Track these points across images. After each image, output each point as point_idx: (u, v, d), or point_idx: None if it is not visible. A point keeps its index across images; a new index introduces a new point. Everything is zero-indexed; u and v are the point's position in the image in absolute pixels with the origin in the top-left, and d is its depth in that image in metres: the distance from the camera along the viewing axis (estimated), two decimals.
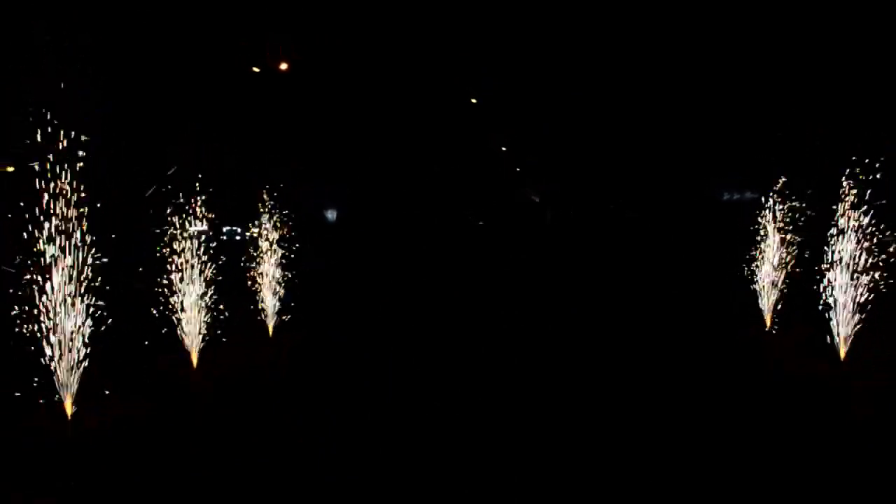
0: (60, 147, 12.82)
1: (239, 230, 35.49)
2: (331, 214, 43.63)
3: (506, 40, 39.00)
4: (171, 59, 29.34)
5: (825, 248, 16.38)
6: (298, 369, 17.28)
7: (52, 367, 12.44)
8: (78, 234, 12.75)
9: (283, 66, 33.85)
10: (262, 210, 21.42)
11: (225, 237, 33.48)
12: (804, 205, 20.39)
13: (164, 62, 28.82)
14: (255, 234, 21.35)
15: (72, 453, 11.39)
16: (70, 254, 12.65)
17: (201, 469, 10.85)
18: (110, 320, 13.49)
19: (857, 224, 15.76)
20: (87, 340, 12.77)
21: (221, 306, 17.51)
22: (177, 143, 29.48)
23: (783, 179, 20.23)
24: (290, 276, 21.15)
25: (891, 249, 15.89)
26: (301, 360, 18.12)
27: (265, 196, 21.52)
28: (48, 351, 12.40)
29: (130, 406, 13.36)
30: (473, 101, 43.03)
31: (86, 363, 12.71)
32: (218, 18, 29.68)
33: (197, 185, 17.88)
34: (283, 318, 20.62)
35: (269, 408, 13.97)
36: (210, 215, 18.21)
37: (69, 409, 12.56)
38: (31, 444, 11.55)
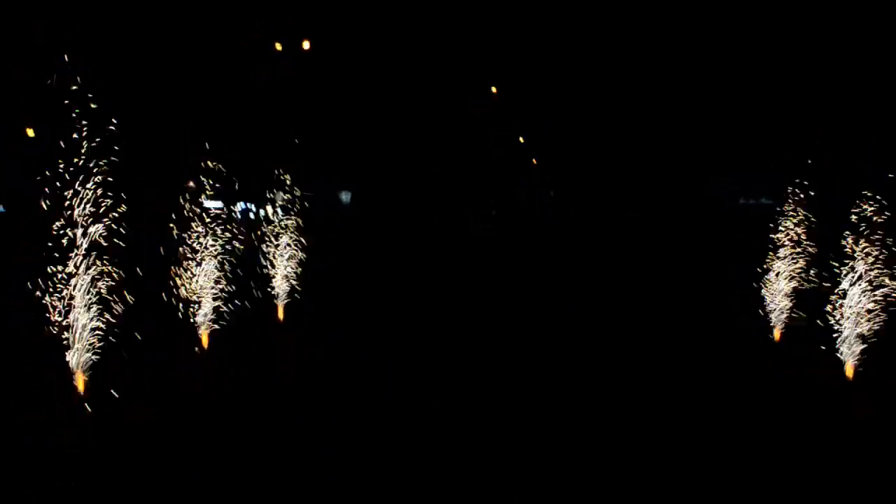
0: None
1: (253, 206, 35.55)
2: (345, 196, 43.67)
3: (508, 40, 38.83)
4: (181, 54, 29.41)
5: (837, 265, 16.34)
6: (302, 370, 17.42)
7: (68, 344, 12.57)
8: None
9: (306, 46, 33.82)
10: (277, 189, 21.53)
11: (239, 214, 33.59)
12: (817, 217, 20.30)
13: (174, 57, 28.88)
14: (270, 214, 21.42)
15: (75, 452, 11.50)
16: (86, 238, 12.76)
17: (201, 468, 10.97)
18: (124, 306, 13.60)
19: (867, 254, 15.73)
20: (102, 325, 12.89)
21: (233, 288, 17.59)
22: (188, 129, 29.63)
23: (797, 189, 20.13)
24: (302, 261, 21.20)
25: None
26: (304, 361, 18.27)
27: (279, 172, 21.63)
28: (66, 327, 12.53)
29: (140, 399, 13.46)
30: (494, 89, 42.88)
31: (97, 346, 12.81)
32: (228, 14, 29.69)
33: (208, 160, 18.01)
34: (294, 296, 20.64)
35: (271, 407, 14.07)
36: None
37: (81, 386, 12.69)
38: (32, 442, 11.60)
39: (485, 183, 46.10)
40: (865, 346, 15.65)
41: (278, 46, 33.39)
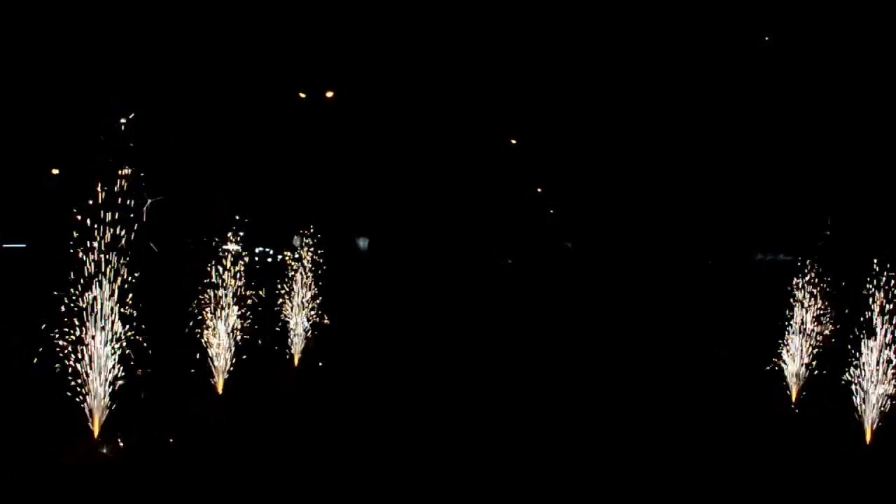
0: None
1: (271, 251, 35.87)
2: (362, 242, 44.01)
3: (530, 82, 39.46)
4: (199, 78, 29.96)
5: (857, 331, 16.22)
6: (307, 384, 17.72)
7: (84, 389, 12.65)
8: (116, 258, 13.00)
9: (329, 94, 34.40)
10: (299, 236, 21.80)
11: (257, 258, 33.89)
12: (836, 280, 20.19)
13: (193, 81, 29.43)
14: (290, 260, 21.61)
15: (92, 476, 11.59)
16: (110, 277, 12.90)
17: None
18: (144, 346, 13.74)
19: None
20: (120, 364, 12.99)
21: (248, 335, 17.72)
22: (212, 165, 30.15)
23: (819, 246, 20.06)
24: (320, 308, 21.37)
25: None
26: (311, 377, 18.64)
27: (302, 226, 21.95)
28: (82, 371, 12.63)
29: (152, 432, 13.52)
30: (513, 141, 43.42)
31: (117, 385, 12.91)
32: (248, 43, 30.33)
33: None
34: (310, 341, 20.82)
35: (278, 421, 14.26)
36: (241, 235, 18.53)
37: (97, 430, 12.74)
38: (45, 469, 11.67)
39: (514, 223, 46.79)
40: (885, 409, 15.48)
41: (302, 95, 34.02)
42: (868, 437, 15.71)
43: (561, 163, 44.22)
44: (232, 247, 18.38)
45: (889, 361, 15.58)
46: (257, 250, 34.76)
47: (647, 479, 13.32)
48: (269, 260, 35.20)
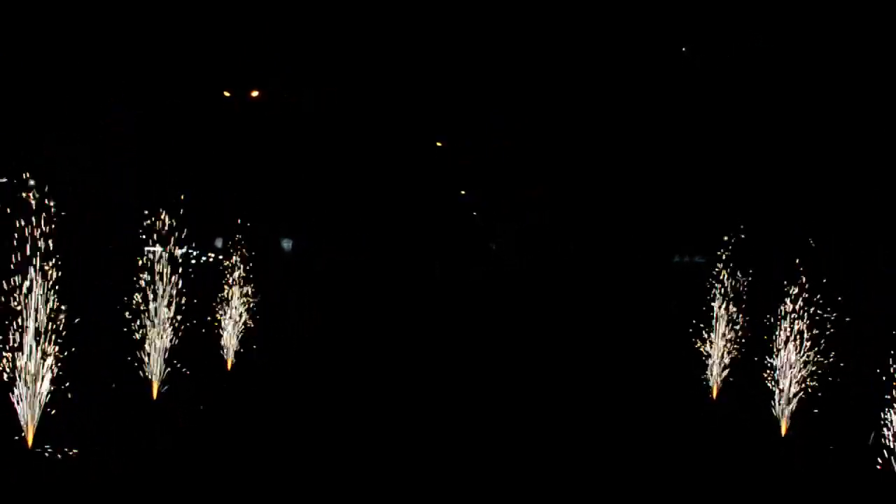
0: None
1: (194, 252, 35.20)
2: (286, 243, 43.64)
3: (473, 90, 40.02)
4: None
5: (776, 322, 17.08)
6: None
7: (16, 396, 12.37)
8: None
9: (255, 94, 34.14)
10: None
11: (180, 259, 33.16)
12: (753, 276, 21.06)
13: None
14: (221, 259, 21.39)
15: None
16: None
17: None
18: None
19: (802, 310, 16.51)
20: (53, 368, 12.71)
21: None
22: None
23: (733, 241, 20.83)
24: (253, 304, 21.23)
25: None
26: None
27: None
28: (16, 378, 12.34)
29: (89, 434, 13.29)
30: (439, 143, 43.80)
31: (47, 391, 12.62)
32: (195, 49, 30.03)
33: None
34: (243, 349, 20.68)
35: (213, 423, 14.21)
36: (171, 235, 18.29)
37: (30, 439, 12.46)
38: None
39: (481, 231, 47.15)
40: (799, 403, 16.39)
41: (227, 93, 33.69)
42: (783, 430, 16.61)
43: (485, 165, 44.83)
44: (157, 249, 18.12)
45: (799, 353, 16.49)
46: (179, 252, 34.01)
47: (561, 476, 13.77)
48: (193, 261, 34.56)
